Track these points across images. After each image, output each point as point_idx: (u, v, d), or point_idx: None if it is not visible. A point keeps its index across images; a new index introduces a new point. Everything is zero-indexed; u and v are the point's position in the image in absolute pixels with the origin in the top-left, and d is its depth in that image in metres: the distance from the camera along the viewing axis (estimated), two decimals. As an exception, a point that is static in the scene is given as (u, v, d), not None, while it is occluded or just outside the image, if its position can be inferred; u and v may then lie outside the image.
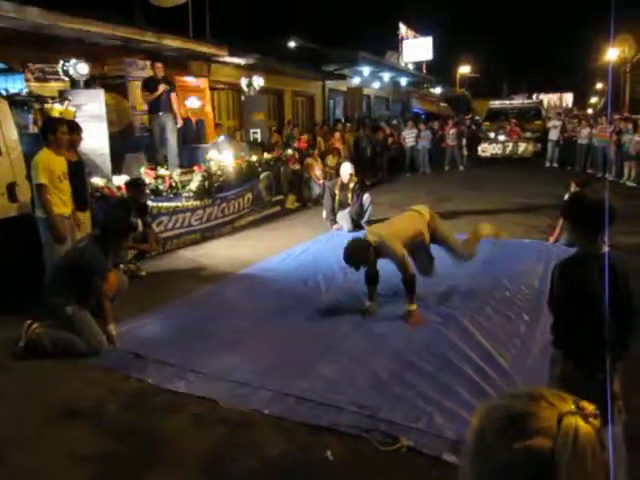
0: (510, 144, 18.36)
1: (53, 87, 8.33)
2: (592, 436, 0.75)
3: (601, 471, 0.75)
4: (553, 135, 17.40)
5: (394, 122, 20.53)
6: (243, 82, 12.50)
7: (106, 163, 7.48)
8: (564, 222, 2.85)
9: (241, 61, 13.54)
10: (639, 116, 18.39)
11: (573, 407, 0.77)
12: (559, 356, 2.57)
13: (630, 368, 2.57)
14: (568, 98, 45.34)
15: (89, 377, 3.94)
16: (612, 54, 26.99)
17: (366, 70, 20.07)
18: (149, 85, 8.46)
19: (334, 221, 8.62)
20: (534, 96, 27.93)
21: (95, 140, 7.27)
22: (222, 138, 10.96)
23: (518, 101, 23.41)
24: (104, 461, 3.00)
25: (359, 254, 4.75)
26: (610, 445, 2.38)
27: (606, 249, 2.45)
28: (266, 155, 10.23)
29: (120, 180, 6.89)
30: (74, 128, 5.72)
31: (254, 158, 9.77)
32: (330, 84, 20.02)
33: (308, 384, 3.66)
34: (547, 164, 17.48)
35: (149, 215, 6.70)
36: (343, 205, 8.56)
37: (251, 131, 12.38)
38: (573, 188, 6.36)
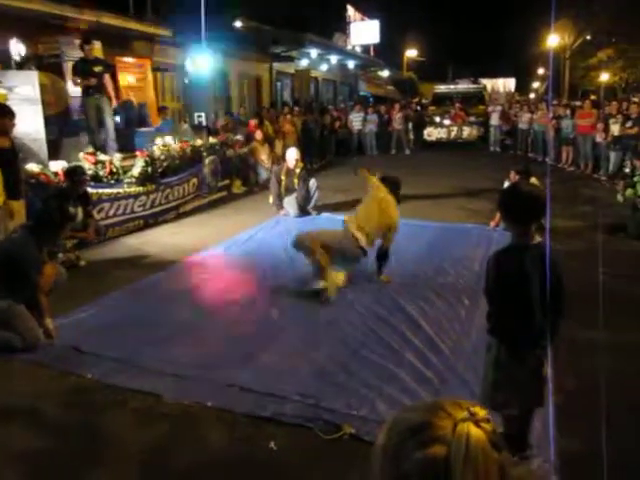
0: (455, 128, 18.73)
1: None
2: (483, 440, 0.79)
3: (494, 472, 0.79)
4: (494, 120, 17.86)
5: (342, 105, 20.52)
6: (188, 63, 12.22)
7: (42, 148, 7.17)
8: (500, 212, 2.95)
9: (185, 41, 13.18)
10: (577, 102, 19.04)
11: (466, 414, 0.81)
12: (494, 343, 2.66)
13: (559, 352, 2.69)
14: (511, 83, 46.29)
15: (25, 373, 3.81)
16: (552, 40, 27.70)
17: (314, 52, 19.92)
18: (78, 69, 8.09)
19: (281, 206, 8.60)
20: (478, 81, 28.37)
21: (29, 124, 6.95)
22: (166, 121, 10.69)
23: (463, 86, 23.72)
24: (42, 460, 2.92)
25: None
26: (550, 427, 2.48)
27: (538, 239, 2.54)
28: (211, 139, 10.07)
29: (57, 166, 6.61)
30: (6, 113, 5.44)
31: (199, 142, 9.61)
32: (277, 66, 19.78)
33: (251, 375, 3.65)
34: (491, 148, 17.95)
35: (89, 203, 6.47)
36: (289, 190, 8.53)
37: (196, 114, 12.14)
38: (513, 177, 6.52)
